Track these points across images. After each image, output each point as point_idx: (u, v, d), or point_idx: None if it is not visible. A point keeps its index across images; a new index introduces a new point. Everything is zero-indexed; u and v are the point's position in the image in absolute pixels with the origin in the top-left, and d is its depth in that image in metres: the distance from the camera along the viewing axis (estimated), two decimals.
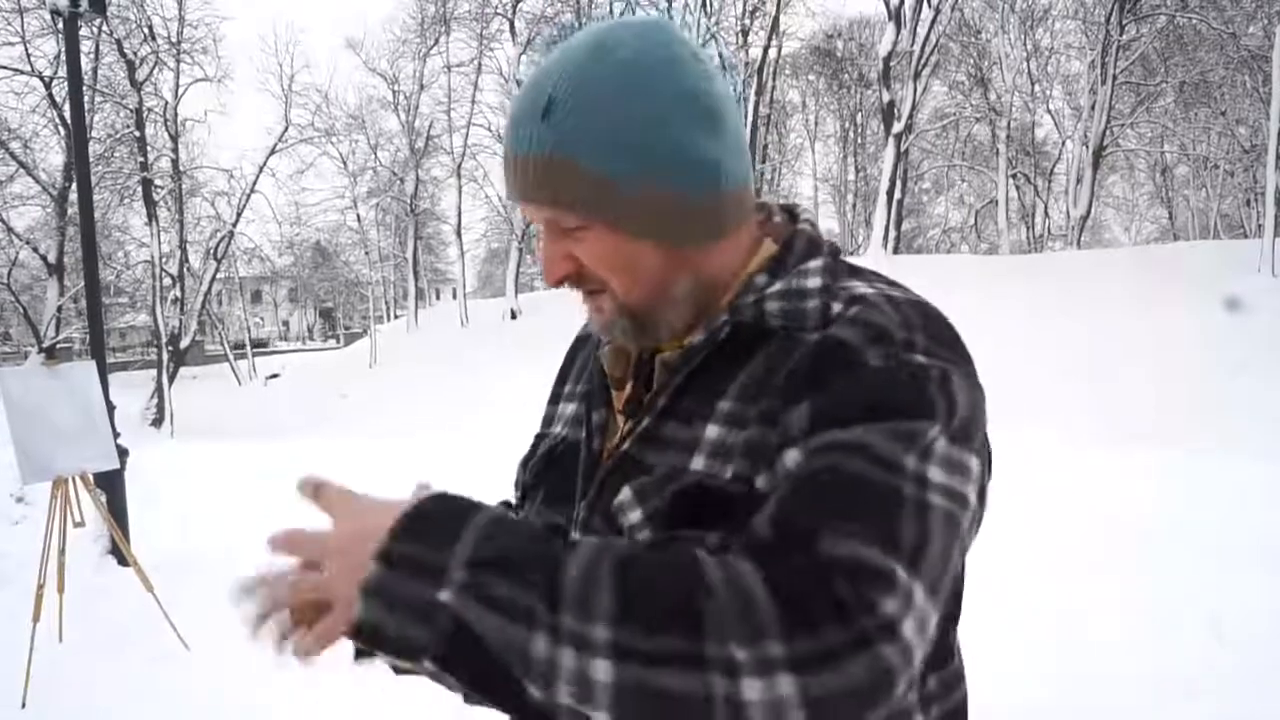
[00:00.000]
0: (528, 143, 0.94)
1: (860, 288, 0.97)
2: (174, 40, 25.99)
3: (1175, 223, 35.88)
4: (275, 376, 33.34)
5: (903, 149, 24.84)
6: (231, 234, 28.59)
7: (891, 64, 23.60)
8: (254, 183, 28.62)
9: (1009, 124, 28.72)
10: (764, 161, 33.56)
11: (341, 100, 49.02)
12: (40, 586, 5.13)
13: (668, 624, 0.76)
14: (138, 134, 24.55)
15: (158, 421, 23.52)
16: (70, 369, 5.97)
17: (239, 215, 28.64)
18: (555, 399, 1.25)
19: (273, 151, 29.07)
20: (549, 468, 1.15)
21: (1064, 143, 32.82)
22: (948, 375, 0.89)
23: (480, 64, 30.22)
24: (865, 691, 0.76)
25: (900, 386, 0.87)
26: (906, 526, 0.82)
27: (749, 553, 0.80)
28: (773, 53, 28.79)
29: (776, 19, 27.72)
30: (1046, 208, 35.74)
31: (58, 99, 22.77)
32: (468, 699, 1.08)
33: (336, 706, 4.39)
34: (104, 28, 22.97)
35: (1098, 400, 11.78)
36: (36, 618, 4.99)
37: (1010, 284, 17.75)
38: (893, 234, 25.67)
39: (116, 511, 6.64)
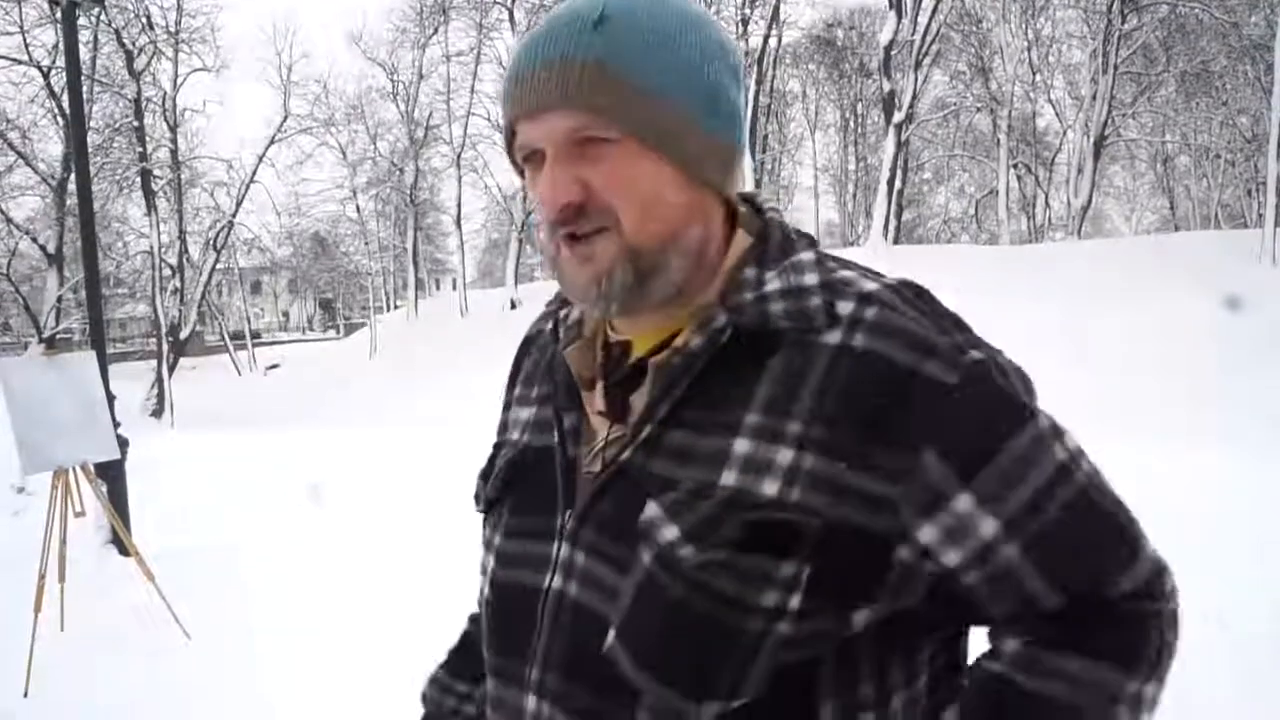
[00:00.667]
0: (574, 48, 0.91)
1: (859, 281, 0.95)
2: (172, 30, 25.93)
3: (1176, 213, 35.85)
4: (275, 367, 33.38)
5: (903, 139, 24.81)
6: (231, 224, 28.56)
7: (892, 53, 23.56)
8: (253, 173, 28.61)
9: (1010, 114, 28.70)
10: (764, 151, 33.52)
11: (340, 90, 48.99)
12: (41, 577, 5.14)
13: None
14: (136, 124, 24.50)
15: (158, 412, 23.53)
16: (70, 359, 5.98)
17: (238, 206, 28.61)
18: (507, 405, 1.18)
19: (272, 142, 29.06)
20: (515, 478, 1.08)
21: (1065, 132, 32.72)
22: (995, 360, 0.93)
23: (479, 53, 30.12)
24: (1175, 635, 0.99)
25: (990, 401, 0.91)
26: (1117, 514, 0.95)
27: (1066, 638, 0.93)
28: (773, 42, 28.77)
29: (777, 8, 27.68)
30: (1047, 198, 35.71)
31: (56, 89, 22.68)
32: None
33: (337, 696, 4.40)
34: (102, 17, 22.92)
35: (1098, 391, 11.77)
36: (38, 608, 5.01)
37: (1011, 274, 17.74)
38: (893, 224, 25.64)
39: (117, 502, 6.65)
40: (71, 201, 21.84)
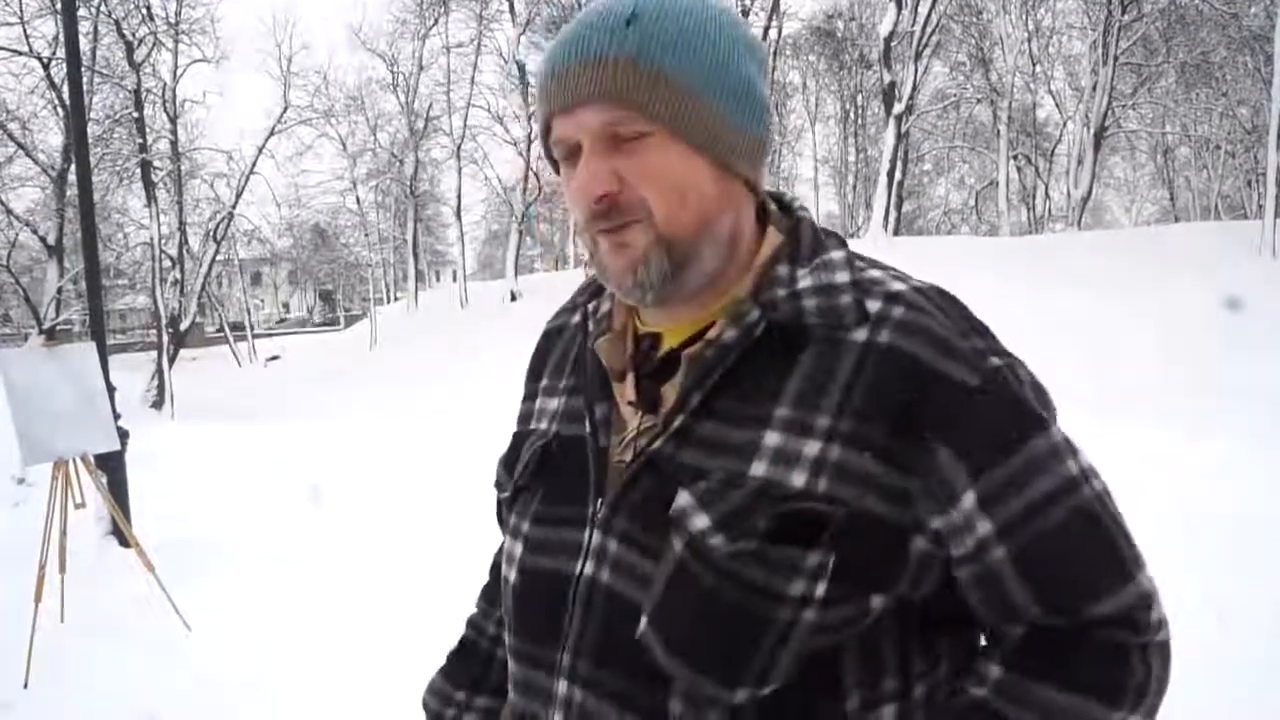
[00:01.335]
0: (607, 44, 0.94)
1: (887, 281, 0.99)
2: (172, 21, 25.83)
3: (1176, 204, 35.78)
4: (275, 358, 33.35)
5: (903, 130, 24.73)
6: (231, 216, 28.48)
7: (892, 44, 23.47)
8: (253, 164, 28.50)
9: (1010, 105, 28.62)
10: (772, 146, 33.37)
11: (340, 81, 48.88)
12: (42, 567, 5.15)
13: None
14: (136, 115, 24.40)
15: (158, 403, 23.50)
16: (70, 351, 5.97)
17: (238, 197, 28.52)
18: (531, 395, 1.21)
19: (271, 133, 28.95)
20: (544, 466, 1.10)
21: (1065, 124, 32.66)
22: (1014, 369, 0.96)
23: (480, 45, 30.02)
24: (1165, 667, 0.99)
25: (1006, 407, 0.93)
26: (1115, 537, 0.96)
27: (1048, 667, 0.95)
28: (773, 33, 28.65)
29: None
30: (1047, 189, 35.65)
31: (56, 80, 22.62)
32: None
33: (336, 685, 4.41)
34: (102, 8, 22.87)
35: (1098, 382, 11.77)
36: (38, 598, 5.02)
37: (1011, 265, 17.71)
38: (893, 215, 25.58)
39: (117, 493, 6.65)
40: (71, 193, 21.79)
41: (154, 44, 25.31)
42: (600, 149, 0.96)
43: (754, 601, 0.90)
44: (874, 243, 20.58)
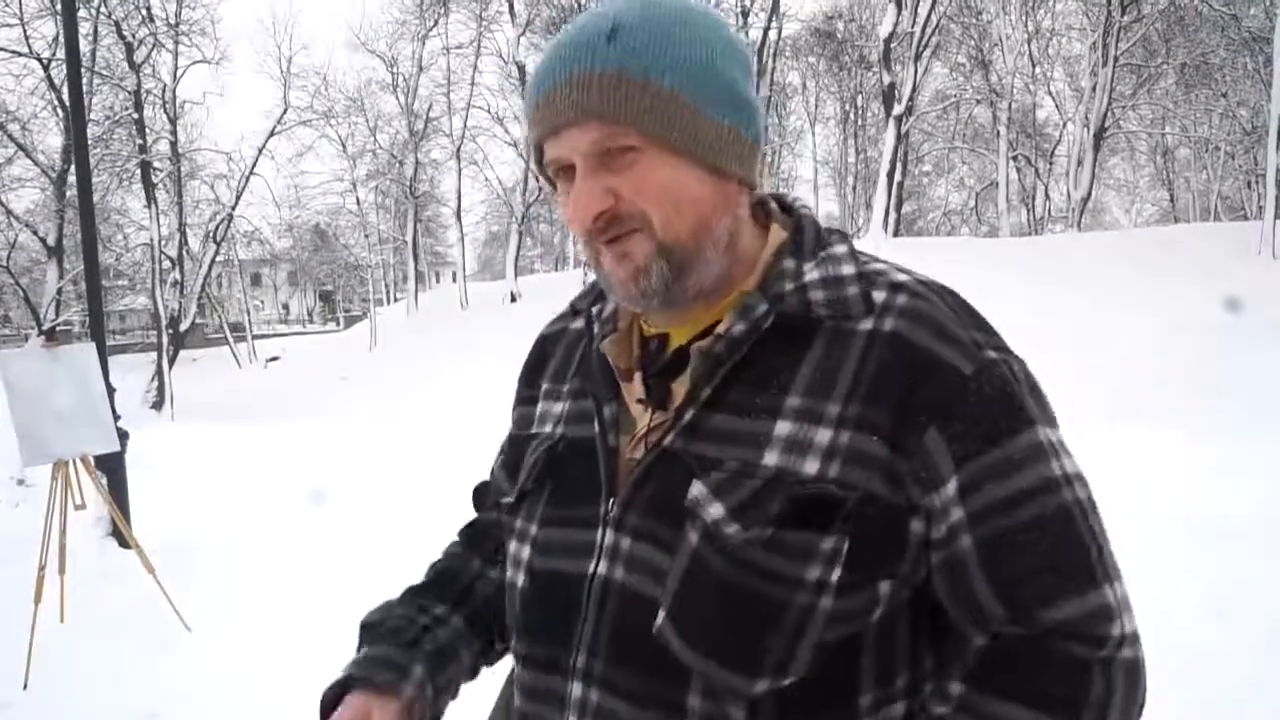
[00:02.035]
0: (590, 62, 0.94)
1: (891, 272, 1.01)
2: (172, 22, 25.85)
3: (1176, 205, 35.80)
4: (275, 359, 33.36)
5: (903, 131, 24.73)
6: (230, 217, 28.51)
7: (892, 45, 23.48)
8: (253, 165, 28.55)
9: (1010, 106, 28.63)
10: (765, 144, 33.35)
11: (340, 82, 48.90)
12: (42, 568, 5.15)
13: None
14: (136, 116, 24.44)
15: (158, 404, 23.52)
16: (70, 351, 5.96)
17: (238, 198, 28.57)
18: (530, 399, 1.20)
19: (271, 134, 28.99)
20: (551, 468, 1.10)
21: (1065, 125, 32.68)
22: (1010, 365, 0.97)
23: (479, 46, 30.06)
24: (1133, 684, 0.95)
25: (998, 399, 0.94)
26: (1086, 544, 0.95)
27: (1009, 684, 0.93)
28: (773, 34, 28.67)
29: (776, 0, 27.59)
30: (1047, 190, 35.64)
31: (56, 81, 22.66)
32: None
33: None
34: (102, 9, 22.90)
35: (1098, 382, 11.77)
36: (38, 599, 5.02)
37: (1010, 266, 17.71)
38: (893, 216, 25.58)
39: (117, 494, 6.65)
40: (71, 194, 21.83)
41: (154, 45, 25.36)
42: (592, 167, 0.96)
43: (771, 588, 0.91)
44: (874, 244, 20.57)
